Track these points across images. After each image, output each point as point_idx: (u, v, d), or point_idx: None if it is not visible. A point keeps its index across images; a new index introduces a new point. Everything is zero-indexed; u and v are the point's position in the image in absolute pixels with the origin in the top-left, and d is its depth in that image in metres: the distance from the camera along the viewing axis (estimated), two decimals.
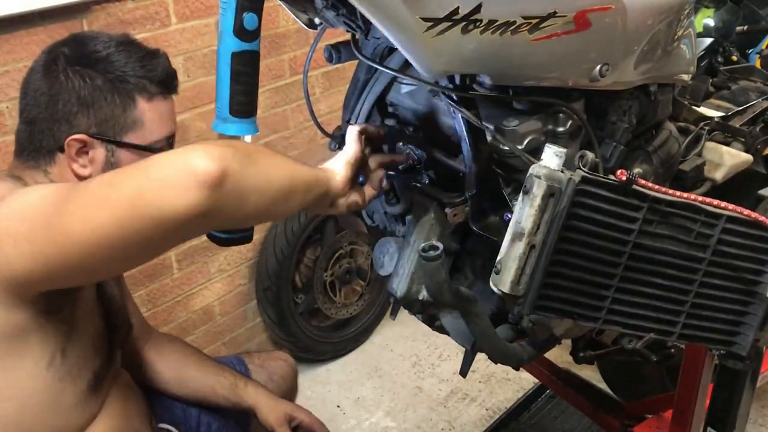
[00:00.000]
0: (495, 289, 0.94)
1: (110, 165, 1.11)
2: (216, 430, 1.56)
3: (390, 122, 1.29)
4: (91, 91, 1.09)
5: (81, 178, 1.10)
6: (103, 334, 1.21)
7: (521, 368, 1.54)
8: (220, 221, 0.91)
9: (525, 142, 1.07)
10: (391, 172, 1.22)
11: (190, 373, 1.53)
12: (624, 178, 0.93)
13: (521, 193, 0.92)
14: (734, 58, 2.09)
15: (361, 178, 1.15)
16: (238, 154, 0.88)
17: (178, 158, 0.86)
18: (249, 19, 0.99)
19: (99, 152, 1.11)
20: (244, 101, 1.06)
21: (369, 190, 1.15)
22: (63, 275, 0.96)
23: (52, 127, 1.10)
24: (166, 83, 1.16)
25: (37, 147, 1.11)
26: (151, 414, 1.43)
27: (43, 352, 1.07)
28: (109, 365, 1.23)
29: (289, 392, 1.75)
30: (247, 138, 1.16)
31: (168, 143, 1.18)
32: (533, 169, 0.91)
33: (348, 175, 1.08)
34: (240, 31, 1.00)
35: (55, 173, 1.12)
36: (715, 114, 1.52)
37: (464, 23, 0.88)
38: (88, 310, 1.18)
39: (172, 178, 0.83)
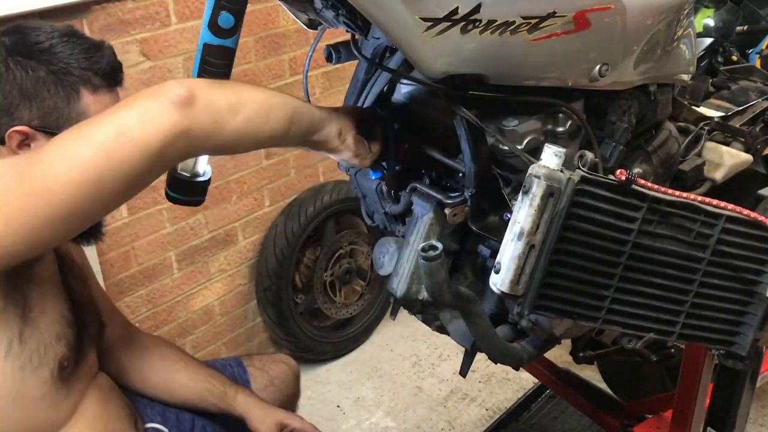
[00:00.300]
0: (495, 289, 0.94)
1: None
2: None
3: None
4: (34, 83, 1.07)
5: None
6: (68, 322, 1.17)
7: (521, 368, 1.54)
8: (202, 141, 0.94)
9: (524, 142, 1.07)
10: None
11: (178, 381, 1.51)
12: (623, 177, 0.93)
13: (521, 193, 0.92)
14: (734, 58, 2.09)
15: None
16: (207, 80, 0.97)
17: (154, 89, 0.92)
18: (224, 18, 1.01)
19: (42, 144, 1.05)
20: None
21: (374, 146, 1.15)
22: (48, 232, 0.94)
23: None
24: (111, 75, 1.14)
25: None
26: (137, 417, 1.40)
27: (0, 338, 1.04)
28: (78, 358, 1.20)
29: (291, 397, 1.73)
30: None
31: None
32: (533, 169, 0.91)
33: (357, 111, 1.14)
34: (214, 27, 1.01)
35: None
36: (715, 114, 1.52)
37: (463, 23, 0.88)
38: (48, 293, 1.14)
39: (150, 104, 0.90)
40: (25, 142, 1.08)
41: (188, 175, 1.20)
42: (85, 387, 1.22)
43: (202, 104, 0.91)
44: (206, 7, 1.01)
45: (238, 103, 0.96)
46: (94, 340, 1.32)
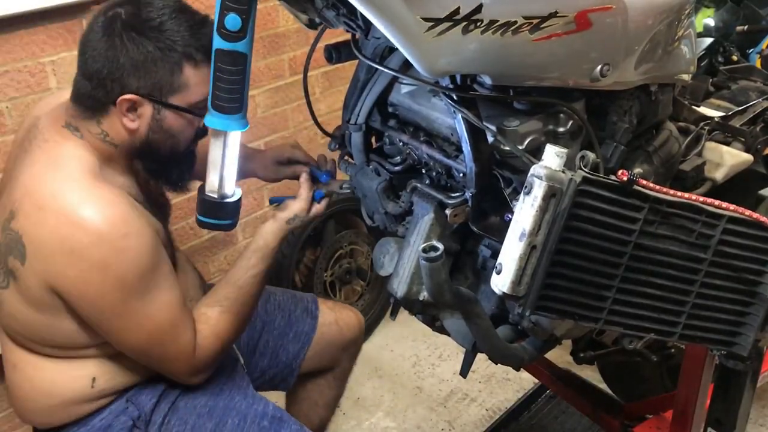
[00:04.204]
0: (496, 290, 0.94)
1: (156, 121, 1.25)
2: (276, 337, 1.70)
3: (390, 122, 1.29)
4: (143, 57, 1.19)
5: (129, 130, 1.25)
6: (164, 241, 1.37)
7: (521, 368, 1.54)
8: None
9: (526, 143, 1.07)
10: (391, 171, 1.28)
11: None
12: (625, 178, 0.93)
13: (522, 194, 0.92)
14: (734, 57, 2.09)
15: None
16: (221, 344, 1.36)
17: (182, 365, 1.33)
18: (230, 20, 1.00)
19: (147, 110, 1.23)
20: (225, 98, 1.08)
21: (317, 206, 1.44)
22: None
23: (106, 85, 1.21)
24: (211, 51, 1.25)
25: (92, 98, 1.23)
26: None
27: None
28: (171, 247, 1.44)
29: (351, 343, 1.82)
30: (234, 134, 1.17)
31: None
32: (534, 170, 0.91)
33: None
34: (222, 30, 1.01)
35: (107, 124, 1.25)
36: (716, 114, 1.52)
37: (465, 23, 0.88)
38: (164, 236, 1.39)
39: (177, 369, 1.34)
40: (132, 107, 1.23)
41: (216, 196, 1.21)
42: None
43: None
44: (215, 11, 1.01)
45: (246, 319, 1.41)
46: (168, 219, 1.54)
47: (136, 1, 1.23)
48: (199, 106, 1.26)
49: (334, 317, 1.77)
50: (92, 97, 1.23)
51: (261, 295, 1.43)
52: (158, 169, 1.34)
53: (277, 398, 2.24)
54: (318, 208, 1.43)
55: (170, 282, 1.28)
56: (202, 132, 1.32)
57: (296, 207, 1.41)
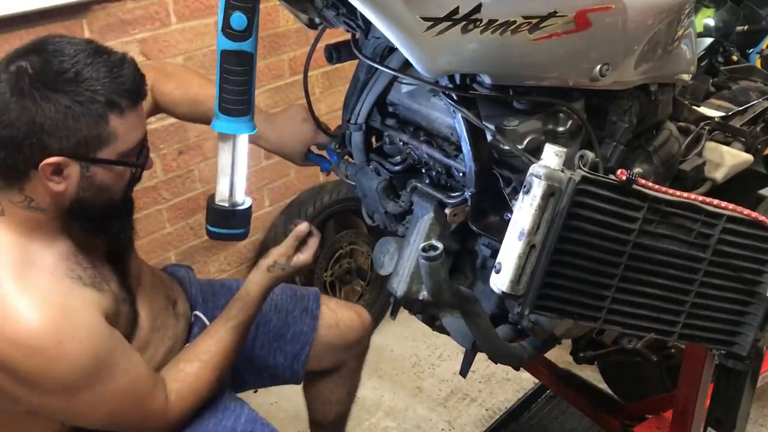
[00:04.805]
0: (495, 289, 0.94)
1: (85, 179, 1.13)
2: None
3: (390, 122, 1.29)
4: (63, 115, 1.07)
5: (55, 193, 1.12)
6: (119, 290, 1.27)
7: (521, 368, 1.54)
8: None
9: (525, 142, 1.07)
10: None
11: (196, 92, 1.48)
12: (624, 177, 0.93)
13: (521, 193, 0.92)
14: (734, 58, 2.10)
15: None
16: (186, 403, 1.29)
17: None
18: (236, 19, 0.99)
19: (74, 169, 1.11)
20: (231, 100, 1.07)
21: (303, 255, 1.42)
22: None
23: (24, 150, 1.08)
24: (135, 93, 1.14)
25: (11, 165, 1.10)
26: (179, 299, 1.50)
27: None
28: (134, 317, 1.32)
29: (354, 344, 1.77)
30: (242, 138, 1.17)
31: (139, 148, 1.18)
32: (533, 169, 0.91)
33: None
34: (227, 30, 1.00)
35: (30, 189, 1.12)
36: (716, 114, 1.52)
37: (464, 23, 0.88)
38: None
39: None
40: (58, 170, 1.10)
41: (227, 205, 1.20)
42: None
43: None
44: (219, 11, 1.01)
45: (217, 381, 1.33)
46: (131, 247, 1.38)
47: (42, 50, 1.09)
48: (130, 153, 1.16)
49: (335, 319, 1.72)
50: (10, 166, 1.10)
51: (242, 345, 1.39)
52: (96, 227, 1.21)
53: (277, 398, 2.25)
54: (302, 258, 1.38)
55: (127, 359, 1.19)
56: (137, 178, 1.22)
57: (276, 253, 1.37)
